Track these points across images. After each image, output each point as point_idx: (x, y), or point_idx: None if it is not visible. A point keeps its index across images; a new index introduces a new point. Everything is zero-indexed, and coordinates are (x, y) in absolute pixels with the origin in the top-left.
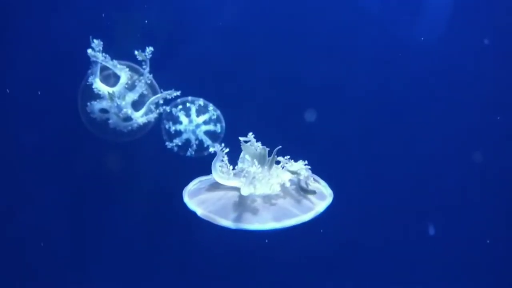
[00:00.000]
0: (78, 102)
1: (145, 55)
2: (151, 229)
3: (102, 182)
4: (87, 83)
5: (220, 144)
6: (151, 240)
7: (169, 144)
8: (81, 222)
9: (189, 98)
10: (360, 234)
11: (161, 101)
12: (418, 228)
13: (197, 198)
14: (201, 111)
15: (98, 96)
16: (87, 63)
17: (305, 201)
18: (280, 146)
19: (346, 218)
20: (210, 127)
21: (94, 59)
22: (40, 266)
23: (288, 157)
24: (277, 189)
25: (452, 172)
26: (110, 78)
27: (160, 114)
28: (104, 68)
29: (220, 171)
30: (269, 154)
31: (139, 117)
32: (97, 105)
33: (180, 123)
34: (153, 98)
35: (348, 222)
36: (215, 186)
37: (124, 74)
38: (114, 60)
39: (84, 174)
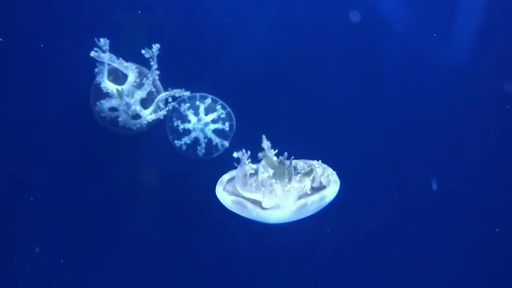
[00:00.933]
0: (90, 101)
1: (152, 52)
2: (168, 228)
3: (115, 180)
4: (96, 82)
5: (240, 151)
6: (167, 241)
7: (177, 143)
8: (94, 223)
9: (198, 95)
10: (370, 224)
11: (170, 99)
12: (430, 216)
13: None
14: (209, 109)
15: (106, 95)
16: (95, 62)
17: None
18: (293, 157)
19: (354, 207)
20: (219, 125)
21: (99, 59)
22: (47, 266)
23: (305, 161)
24: (296, 200)
25: (466, 161)
26: (118, 78)
27: (168, 111)
28: (111, 67)
29: (243, 183)
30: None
31: (148, 114)
32: (106, 103)
33: (189, 121)
34: (161, 96)
35: (357, 212)
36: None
37: (131, 72)
38: (120, 59)
39: (98, 172)
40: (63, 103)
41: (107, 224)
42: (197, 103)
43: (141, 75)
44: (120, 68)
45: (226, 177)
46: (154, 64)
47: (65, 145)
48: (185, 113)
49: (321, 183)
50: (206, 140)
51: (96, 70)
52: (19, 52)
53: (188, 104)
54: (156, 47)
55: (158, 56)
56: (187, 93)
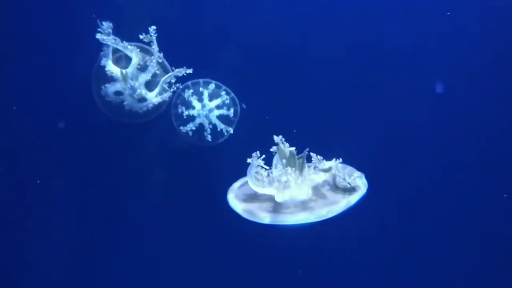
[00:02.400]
0: (92, 86)
1: (151, 36)
2: (176, 217)
3: (121, 170)
4: (100, 66)
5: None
6: (175, 230)
7: (183, 129)
8: (100, 213)
9: (201, 81)
10: (396, 226)
11: (173, 80)
12: (454, 215)
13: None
14: (213, 95)
15: (111, 79)
16: (97, 47)
17: (339, 198)
18: (308, 149)
19: (381, 208)
20: (223, 111)
21: (104, 42)
22: (54, 261)
23: (321, 157)
24: (310, 192)
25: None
26: (121, 60)
27: (174, 93)
28: (115, 51)
29: (255, 179)
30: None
31: (154, 97)
32: (111, 87)
33: (193, 108)
34: (165, 77)
35: (384, 213)
36: (252, 196)
37: (135, 55)
38: (124, 42)
39: (104, 163)
40: (65, 91)
41: (114, 214)
42: (201, 89)
43: (145, 57)
44: (124, 50)
45: (237, 184)
46: (155, 47)
47: (69, 136)
48: (189, 99)
49: (347, 183)
50: (211, 126)
51: (101, 53)
52: (18, 48)
53: (191, 90)
54: (152, 29)
55: (162, 38)
56: (190, 71)
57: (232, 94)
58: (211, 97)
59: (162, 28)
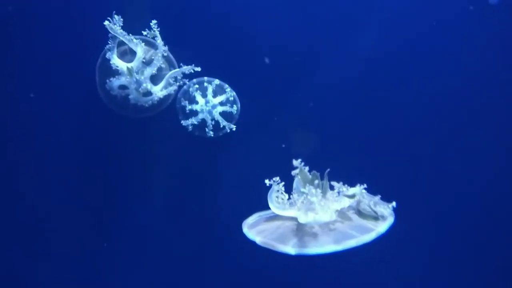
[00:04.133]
0: (96, 80)
1: (154, 31)
2: (180, 219)
3: (123, 165)
4: (104, 60)
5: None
6: (175, 225)
7: (184, 122)
8: (102, 208)
9: (205, 78)
10: (425, 257)
11: (180, 76)
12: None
13: (255, 229)
14: (217, 91)
15: (116, 73)
16: (102, 40)
17: (365, 224)
18: (329, 169)
19: (409, 239)
20: (227, 108)
21: (112, 32)
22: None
23: (342, 183)
24: (334, 215)
25: None
26: (126, 54)
27: (179, 87)
28: (119, 45)
29: (276, 202)
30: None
31: (159, 91)
32: (116, 81)
33: (196, 103)
34: (171, 72)
35: (412, 244)
36: (273, 217)
37: (140, 49)
38: (130, 35)
39: (106, 157)
40: (69, 85)
41: (115, 207)
42: (205, 84)
43: (149, 51)
44: (129, 44)
45: (250, 219)
46: (160, 41)
47: (73, 130)
48: (193, 94)
49: (373, 211)
50: (213, 122)
51: (106, 47)
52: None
53: (196, 85)
54: (154, 23)
55: (168, 37)
56: (198, 69)
57: (234, 93)
58: (216, 93)
59: (167, 22)
